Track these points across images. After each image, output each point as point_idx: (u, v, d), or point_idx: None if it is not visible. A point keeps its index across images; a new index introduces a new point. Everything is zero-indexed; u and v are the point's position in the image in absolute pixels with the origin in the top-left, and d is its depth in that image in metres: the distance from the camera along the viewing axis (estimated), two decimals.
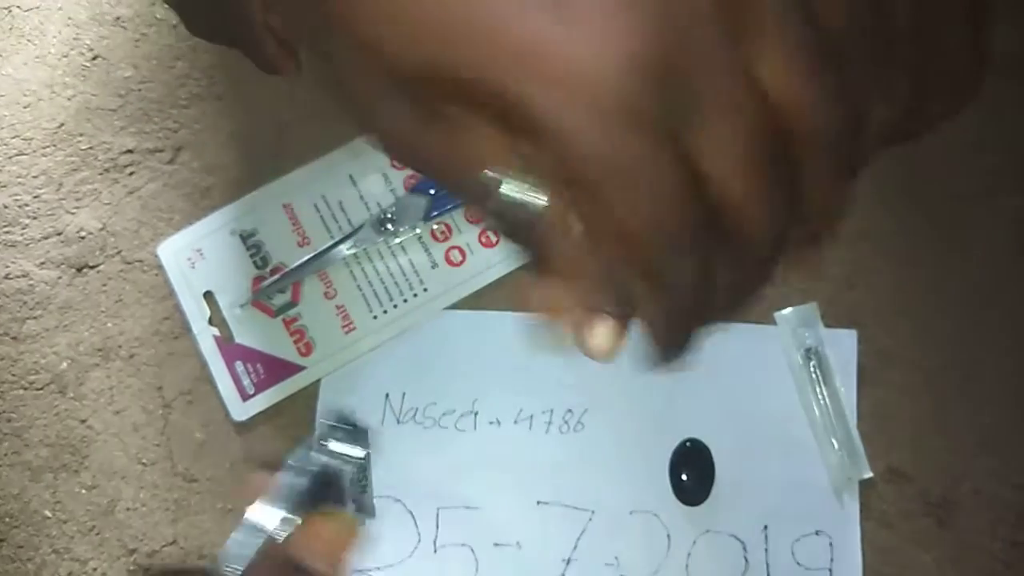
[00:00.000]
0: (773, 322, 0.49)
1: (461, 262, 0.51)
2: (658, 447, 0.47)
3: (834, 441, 0.47)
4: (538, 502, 0.47)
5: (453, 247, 0.51)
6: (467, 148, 0.25)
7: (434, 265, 0.51)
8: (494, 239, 0.51)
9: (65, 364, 0.51)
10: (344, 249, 0.50)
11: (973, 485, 0.47)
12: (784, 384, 0.48)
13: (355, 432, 0.48)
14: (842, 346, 0.48)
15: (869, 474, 0.47)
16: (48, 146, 0.54)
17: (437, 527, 0.47)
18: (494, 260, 0.51)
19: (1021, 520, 0.47)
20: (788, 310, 0.48)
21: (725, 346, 0.48)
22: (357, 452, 0.47)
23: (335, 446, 0.43)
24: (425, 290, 0.50)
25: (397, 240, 0.51)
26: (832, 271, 0.50)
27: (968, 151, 0.51)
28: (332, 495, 0.42)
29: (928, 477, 0.48)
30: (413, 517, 0.47)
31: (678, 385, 0.48)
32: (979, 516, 0.47)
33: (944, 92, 0.27)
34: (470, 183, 0.25)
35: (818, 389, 0.47)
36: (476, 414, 0.48)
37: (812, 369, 0.47)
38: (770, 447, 0.47)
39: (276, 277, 0.50)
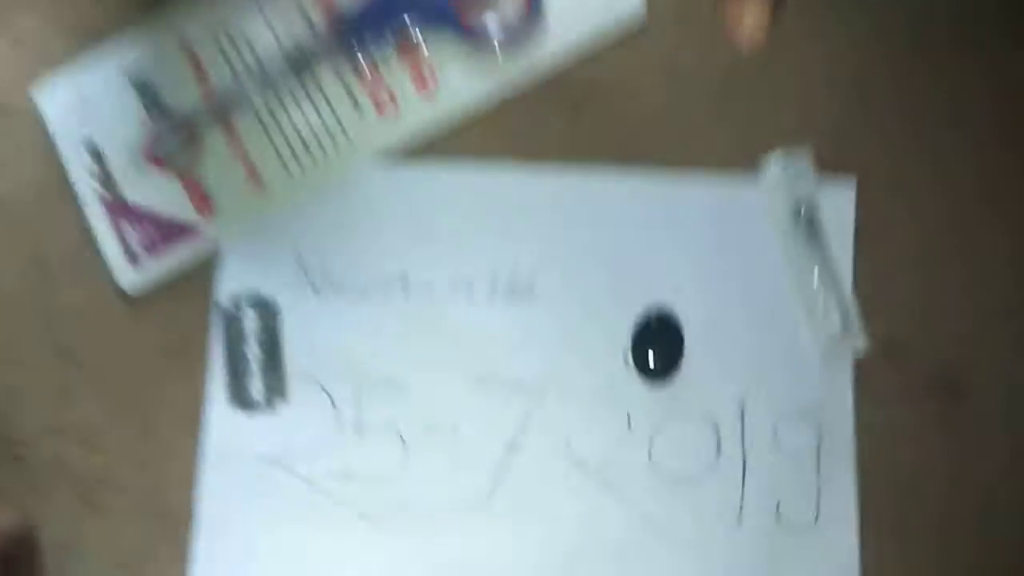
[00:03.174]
0: (756, 169, 0.41)
1: (391, 108, 0.43)
2: (620, 317, 0.41)
3: (824, 307, 0.40)
4: (477, 380, 0.40)
5: (381, 90, 0.43)
6: None
7: (358, 111, 0.43)
8: (430, 82, 0.43)
9: None
10: (251, 92, 0.43)
11: (986, 363, 0.41)
12: (768, 243, 0.41)
13: (263, 304, 0.41)
14: (838, 198, 0.41)
15: (864, 345, 0.40)
16: None
17: (360, 409, 0.40)
18: (429, 106, 0.43)
19: None
20: (775, 156, 0.41)
21: (700, 198, 0.41)
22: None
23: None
24: (348, 140, 0.43)
25: (315, 81, 0.43)
26: (826, 114, 0.43)
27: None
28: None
29: (933, 352, 0.41)
30: (331, 399, 0.40)
31: (644, 245, 0.41)
32: (991, 399, 0.41)
33: None
34: None
35: (808, 248, 0.40)
36: (406, 280, 0.41)
37: (802, 224, 0.40)
38: (749, 315, 0.40)
39: (171, 125, 0.43)
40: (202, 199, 0.42)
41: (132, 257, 0.42)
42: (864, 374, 0.40)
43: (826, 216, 0.40)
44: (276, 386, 0.40)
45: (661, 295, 0.41)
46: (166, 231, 0.42)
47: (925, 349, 0.41)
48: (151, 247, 0.42)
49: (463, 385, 0.40)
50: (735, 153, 0.42)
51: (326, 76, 0.43)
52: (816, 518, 0.39)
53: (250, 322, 0.41)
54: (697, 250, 0.41)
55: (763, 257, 0.41)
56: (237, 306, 0.41)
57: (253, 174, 0.43)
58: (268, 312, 0.41)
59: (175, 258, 0.42)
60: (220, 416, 0.40)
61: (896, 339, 0.41)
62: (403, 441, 0.40)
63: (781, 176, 0.41)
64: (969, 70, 0.43)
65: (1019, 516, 0.40)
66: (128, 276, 0.42)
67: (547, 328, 0.40)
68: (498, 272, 0.41)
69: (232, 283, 0.41)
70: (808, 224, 0.40)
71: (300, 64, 0.43)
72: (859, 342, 0.40)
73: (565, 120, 0.43)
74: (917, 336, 0.41)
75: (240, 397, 0.41)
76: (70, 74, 0.44)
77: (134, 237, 0.42)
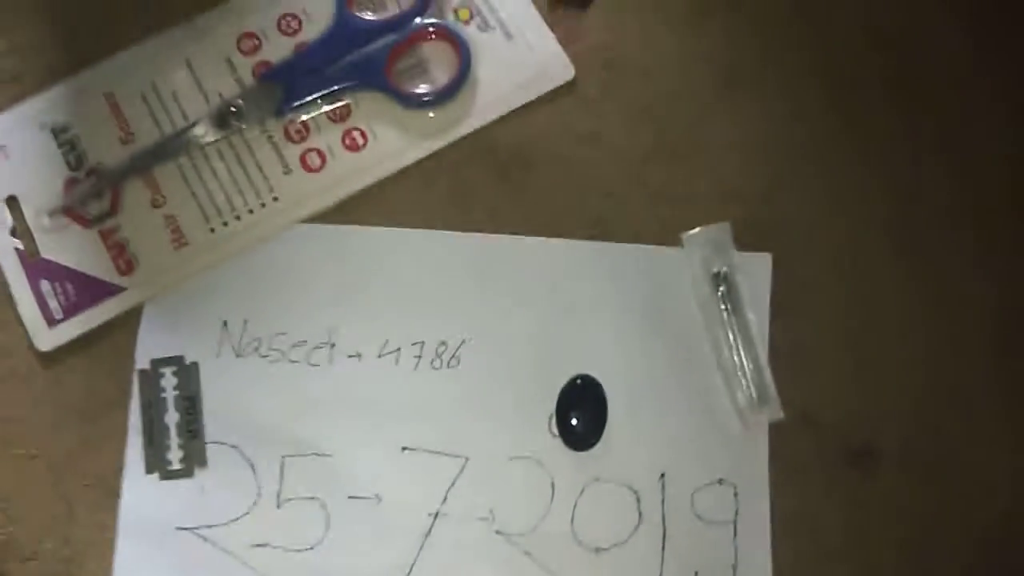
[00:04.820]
0: (680, 244, 0.42)
1: (320, 167, 0.43)
2: (544, 384, 0.41)
3: (742, 378, 0.41)
4: (403, 448, 0.40)
5: (311, 149, 0.43)
6: None
7: (287, 170, 0.43)
8: (360, 141, 0.43)
9: None
10: (176, 148, 0.42)
11: (896, 432, 0.42)
12: (689, 314, 0.41)
13: (183, 368, 0.40)
14: (755, 272, 0.42)
15: (780, 416, 0.41)
16: None
17: (282, 478, 0.40)
18: (359, 166, 0.43)
19: (945, 471, 0.42)
20: (697, 230, 0.42)
21: (624, 270, 0.42)
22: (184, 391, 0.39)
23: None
24: (275, 199, 0.42)
25: (243, 138, 0.43)
26: (745, 188, 0.44)
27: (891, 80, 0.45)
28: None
29: (847, 422, 0.42)
30: (252, 466, 0.40)
31: (569, 314, 0.41)
32: (902, 466, 0.42)
33: None
34: None
35: (727, 320, 0.41)
36: (333, 346, 0.41)
37: (721, 297, 0.41)
38: (671, 385, 0.41)
39: (93, 181, 0.42)
40: (123, 257, 0.41)
41: (49, 315, 0.41)
42: (780, 443, 0.42)
43: (744, 289, 0.41)
44: (195, 453, 0.40)
45: (585, 363, 0.41)
46: (85, 289, 0.41)
47: (839, 419, 0.42)
48: (69, 306, 0.41)
49: (387, 454, 0.40)
50: (658, 224, 0.43)
51: (254, 133, 0.43)
52: None
53: (169, 386, 0.40)
54: (621, 320, 0.41)
55: (684, 328, 0.41)
56: (156, 369, 0.40)
57: (176, 232, 0.42)
58: (188, 376, 0.40)
59: (94, 317, 0.41)
60: (137, 484, 0.39)
61: (810, 409, 0.42)
62: (325, 510, 0.40)
63: (701, 249, 0.42)
64: (881, 151, 0.45)
65: None
66: (44, 335, 0.41)
67: (473, 396, 0.41)
68: (425, 341, 0.41)
69: (152, 344, 0.41)
70: (727, 296, 0.41)
71: (227, 121, 0.43)
72: (775, 412, 0.41)
73: (492, 183, 0.44)
74: (832, 406, 0.42)
75: (158, 464, 0.40)
76: None
77: (52, 295, 0.41)
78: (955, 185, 0.44)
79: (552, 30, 0.45)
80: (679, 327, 0.41)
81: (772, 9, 0.46)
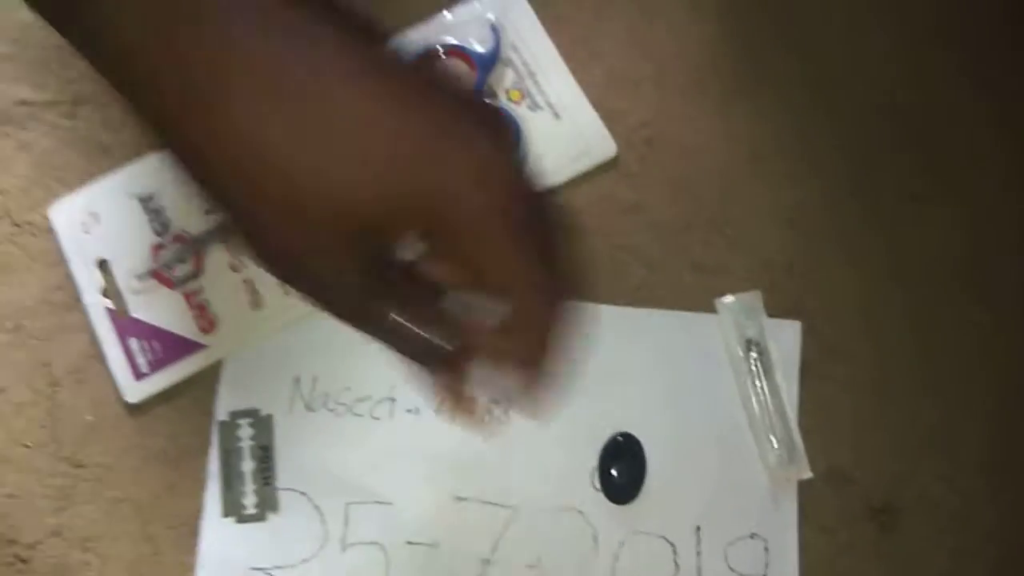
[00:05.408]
0: (714, 310, 0.46)
1: None
2: (587, 441, 0.44)
3: (773, 439, 0.44)
4: (456, 498, 0.43)
5: None
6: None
7: None
8: None
9: None
10: None
11: (918, 489, 0.45)
12: (723, 377, 0.45)
13: (258, 419, 0.44)
14: (785, 338, 0.45)
15: (809, 475, 0.44)
16: None
17: (346, 523, 0.43)
18: None
19: (966, 527, 0.45)
20: (730, 298, 0.45)
21: (662, 334, 0.45)
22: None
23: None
24: None
25: None
26: (776, 258, 0.47)
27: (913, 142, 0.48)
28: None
29: (871, 480, 0.45)
30: (320, 512, 0.43)
31: (611, 376, 0.45)
32: (923, 522, 0.45)
33: None
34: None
35: (758, 383, 0.44)
36: (393, 401, 0.44)
37: (753, 362, 0.44)
38: (705, 444, 0.44)
39: (178, 246, 0.46)
40: (205, 317, 0.45)
41: (137, 370, 0.45)
42: (808, 499, 0.44)
43: (774, 353, 0.45)
44: (268, 499, 0.43)
45: (626, 422, 0.44)
46: (170, 346, 0.45)
47: (864, 477, 0.45)
48: (155, 361, 0.45)
49: (443, 502, 0.43)
50: (693, 291, 0.46)
51: None
52: None
53: (246, 436, 0.44)
54: (658, 381, 0.45)
55: (718, 389, 0.45)
56: (234, 421, 0.44)
57: (254, 294, 0.46)
58: (263, 427, 0.44)
59: (178, 372, 0.45)
60: (215, 526, 0.43)
61: (837, 468, 0.45)
62: (386, 554, 0.43)
63: (735, 316, 0.45)
64: (901, 217, 0.48)
65: None
66: (132, 388, 0.45)
67: (521, 452, 0.44)
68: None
69: (230, 398, 0.44)
70: (758, 361, 0.44)
71: None
72: (804, 470, 0.44)
73: None
74: (856, 465, 0.45)
75: (234, 508, 0.44)
76: (84, 195, 0.47)
77: (140, 351, 0.45)
78: (976, 255, 0.47)
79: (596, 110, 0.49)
80: (713, 389, 0.44)
81: (795, 91, 0.49)
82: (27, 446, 0.45)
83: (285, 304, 0.46)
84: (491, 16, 0.48)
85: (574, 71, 0.49)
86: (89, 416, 0.45)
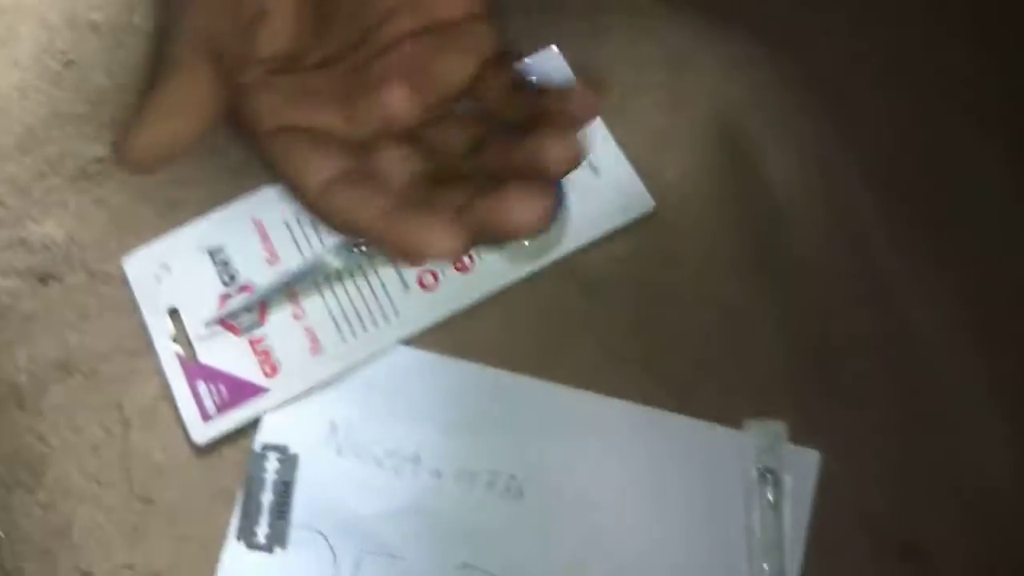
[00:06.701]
0: (732, 423, 0.46)
1: (433, 286, 0.50)
2: (591, 528, 0.45)
3: (765, 567, 0.44)
4: (463, 564, 0.45)
5: (426, 270, 0.50)
6: None
7: (406, 287, 0.50)
8: (468, 263, 0.50)
9: (24, 377, 0.49)
10: (314, 269, 0.49)
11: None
12: (733, 496, 0.46)
13: (286, 456, 0.46)
14: (802, 468, 0.46)
15: None
16: (16, 152, 0.53)
17: (357, 569, 0.45)
18: (466, 285, 0.50)
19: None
20: (754, 422, 0.46)
21: (681, 442, 0.46)
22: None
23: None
24: (396, 314, 0.49)
25: (370, 261, 0.50)
26: (797, 385, 0.47)
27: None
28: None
29: None
30: (334, 554, 0.45)
31: (619, 472, 0.46)
32: None
33: None
34: None
35: (765, 512, 0.45)
36: (419, 461, 0.47)
37: (765, 491, 0.45)
38: (696, 553, 0.45)
39: (244, 296, 0.49)
40: (269, 363, 0.48)
41: (204, 412, 0.48)
42: None
43: (788, 484, 0.45)
44: (279, 534, 0.45)
45: (627, 516, 0.45)
46: (235, 390, 0.48)
47: None
48: (221, 404, 0.48)
49: (450, 567, 0.45)
50: (717, 403, 0.47)
51: (379, 256, 0.50)
52: None
53: (271, 469, 0.46)
54: (667, 485, 0.46)
55: (727, 508, 0.45)
56: (264, 452, 0.47)
57: (314, 342, 0.49)
58: (288, 465, 0.46)
59: (243, 414, 0.48)
60: (231, 554, 0.45)
61: None
62: None
63: (756, 441, 0.46)
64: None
65: None
66: (200, 430, 0.47)
67: (529, 529, 0.45)
68: (498, 473, 0.46)
69: (268, 432, 0.47)
70: (772, 490, 0.45)
71: (359, 245, 0.50)
72: None
73: (576, 303, 0.50)
74: None
75: (245, 535, 0.46)
76: (156, 246, 0.50)
77: (207, 395, 0.48)
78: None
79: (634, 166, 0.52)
80: (720, 503, 0.45)
81: (821, 146, 0.52)
82: (101, 484, 0.48)
83: (340, 352, 0.49)
84: (534, 78, 0.51)
85: (611, 127, 0.52)
86: (159, 455, 0.48)
